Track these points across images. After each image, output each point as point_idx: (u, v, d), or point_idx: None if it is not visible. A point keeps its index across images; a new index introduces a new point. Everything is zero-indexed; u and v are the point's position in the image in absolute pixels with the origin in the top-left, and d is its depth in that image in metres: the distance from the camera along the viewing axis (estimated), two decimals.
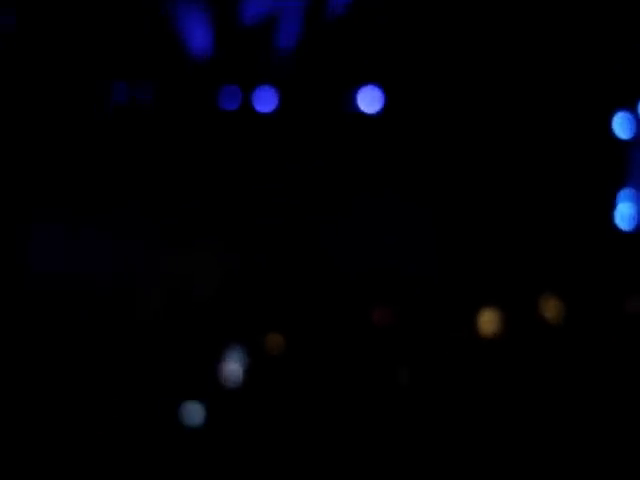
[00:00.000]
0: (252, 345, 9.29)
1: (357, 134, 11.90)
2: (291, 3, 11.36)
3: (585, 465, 7.02)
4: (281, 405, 7.74)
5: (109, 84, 11.60)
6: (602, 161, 11.21)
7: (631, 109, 11.48)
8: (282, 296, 10.93)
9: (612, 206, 11.01)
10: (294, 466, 7.15)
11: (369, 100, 11.84)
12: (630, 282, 9.79)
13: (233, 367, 9.05)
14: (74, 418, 7.28)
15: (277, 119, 11.95)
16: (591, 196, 11.03)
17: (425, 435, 7.40)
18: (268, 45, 11.67)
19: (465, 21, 11.35)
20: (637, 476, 6.74)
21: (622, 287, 9.69)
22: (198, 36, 11.29)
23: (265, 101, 11.93)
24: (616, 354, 8.13)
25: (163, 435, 7.27)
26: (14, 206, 11.04)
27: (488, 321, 9.57)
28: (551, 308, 9.65)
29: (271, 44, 11.69)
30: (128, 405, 7.55)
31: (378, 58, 11.65)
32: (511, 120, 11.53)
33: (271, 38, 11.66)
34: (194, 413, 8.53)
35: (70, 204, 11.31)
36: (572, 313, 9.15)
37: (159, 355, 8.66)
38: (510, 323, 9.22)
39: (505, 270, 10.78)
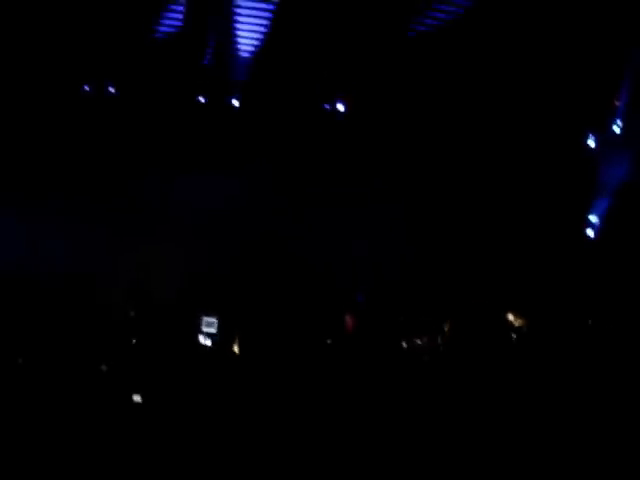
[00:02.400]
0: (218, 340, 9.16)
1: (326, 134, 11.87)
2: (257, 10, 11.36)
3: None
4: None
5: (84, 78, 11.47)
6: (575, 176, 11.25)
7: (604, 128, 11.58)
8: (244, 294, 10.81)
9: (584, 218, 11.04)
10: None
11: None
12: (599, 289, 9.78)
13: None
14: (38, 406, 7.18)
15: (244, 119, 11.89)
16: (565, 208, 11.05)
17: (385, 434, 7.24)
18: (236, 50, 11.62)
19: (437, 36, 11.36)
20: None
21: (592, 294, 9.67)
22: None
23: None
24: (581, 359, 8.06)
25: (120, 418, 7.14)
26: None
27: (456, 327, 9.48)
28: (519, 316, 9.57)
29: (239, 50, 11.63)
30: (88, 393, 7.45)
31: (345, 63, 11.65)
32: (486, 131, 11.55)
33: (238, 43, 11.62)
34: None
35: (31, 199, 11.16)
36: (542, 320, 9.07)
37: (119, 348, 8.50)
38: (478, 329, 9.11)
39: (476, 277, 10.72)
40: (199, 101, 11.48)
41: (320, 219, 11.33)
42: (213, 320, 9.54)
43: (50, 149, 11.02)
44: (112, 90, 11.10)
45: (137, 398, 7.23)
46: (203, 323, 9.51)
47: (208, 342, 9.39)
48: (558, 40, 10.94)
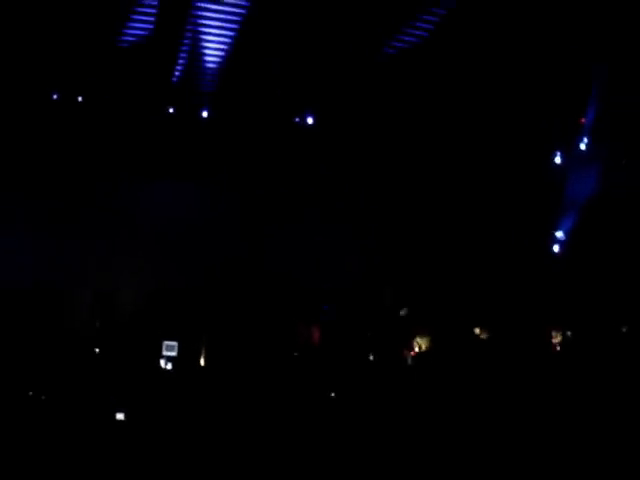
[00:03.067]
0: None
1: (295, 146, 11.90)
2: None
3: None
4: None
5: (54, 86, 11.38)
6: (542, 192, 11.36)
7: (571, 147, 11.72)
8: (207, 304, 10.78)
9: (551, 233, 11.14)
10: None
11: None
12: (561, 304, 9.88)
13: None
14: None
15: (213, 130, 11.88)
16: (532, 223, 11.15)
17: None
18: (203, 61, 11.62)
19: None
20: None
21: (557, 306, 9.74)
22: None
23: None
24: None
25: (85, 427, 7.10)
26: None
27: (422, 342, 9.50)
28: (486, 329, 9.62)
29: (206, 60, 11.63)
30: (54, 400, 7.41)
31: (314, 77, 11.69)
32: (454, 146, 11.62)
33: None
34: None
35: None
36: (509, 332, 9.12)
37: (85, 356, 8.47)
38: (447, 342, 9.15)
39: (445, 290, 10.77)
40: (169, 112, 11.46)
41: (287, 229, 11.35)
42: (174, 344, 9.50)
43: (16, 158, 10.93)
44: (82, 100, 11.04)
45: (120, 416, 7.21)
46: (164, 347, 9.45)
47: (169, 366, 9.34)
48: (525, 60, 11.05)
